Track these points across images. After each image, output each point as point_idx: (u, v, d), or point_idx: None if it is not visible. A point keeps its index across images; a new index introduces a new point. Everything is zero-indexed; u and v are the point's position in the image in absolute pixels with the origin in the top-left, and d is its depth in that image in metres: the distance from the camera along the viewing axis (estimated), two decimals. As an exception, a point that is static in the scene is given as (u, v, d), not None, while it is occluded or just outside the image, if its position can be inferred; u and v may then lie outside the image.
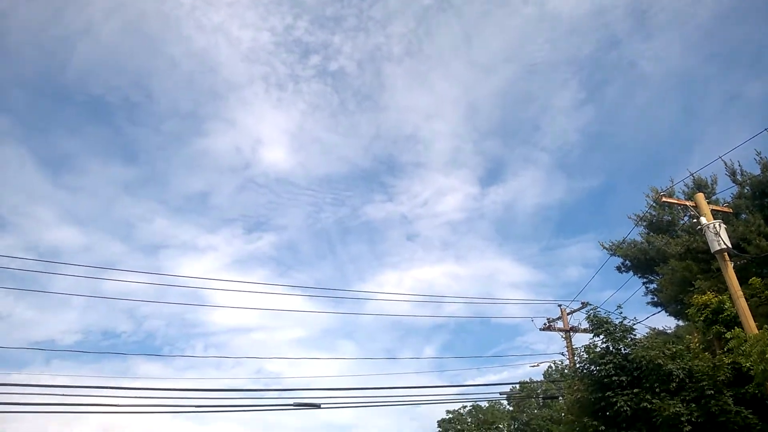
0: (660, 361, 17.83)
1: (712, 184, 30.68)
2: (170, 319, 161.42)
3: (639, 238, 33.71)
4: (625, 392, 18.04)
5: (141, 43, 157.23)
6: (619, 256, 34.24)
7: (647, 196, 32.87)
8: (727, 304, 19.39)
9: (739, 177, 29.25)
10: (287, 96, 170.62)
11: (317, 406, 16.20)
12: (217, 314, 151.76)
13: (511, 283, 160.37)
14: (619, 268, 34.86)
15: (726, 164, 29.38)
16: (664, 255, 30.10)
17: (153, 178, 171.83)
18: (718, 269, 19.61)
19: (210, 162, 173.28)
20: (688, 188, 30.52)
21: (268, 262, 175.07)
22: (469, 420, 77.98)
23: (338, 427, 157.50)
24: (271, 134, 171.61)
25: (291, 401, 16.09)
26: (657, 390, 17.57)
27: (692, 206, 19.87)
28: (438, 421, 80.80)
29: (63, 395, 15.89)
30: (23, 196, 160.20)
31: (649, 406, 17.23)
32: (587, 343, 20.66)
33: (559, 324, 29.16)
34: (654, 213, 32.96)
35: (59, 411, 16.18)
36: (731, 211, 25.90)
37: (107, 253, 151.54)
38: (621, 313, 20.80)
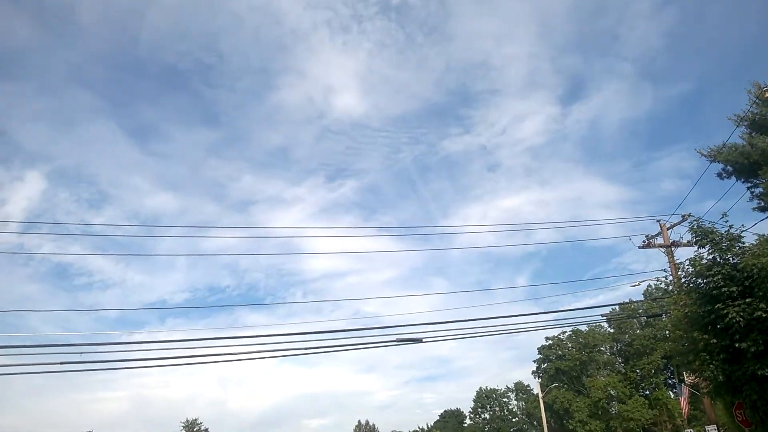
0: (774, 267, 16.73)
1: (821, 73, 27.93)
2: (268, 270, 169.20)
3: (740, 141, 31.47)
4: (736, 303, 17.15)
5: (205, 3, 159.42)
6: (719, 161, 32.17)
7: (749, 92, 30.43)
8: None
9: None
10: (352, 38, 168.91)
11: (419, 341, 16.42)
12: (312, 262, 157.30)
13: (602, 204, 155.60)
14: (720, 175, 32.83)
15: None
16: (769, 156, 28.01)
17: (235, 137, 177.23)
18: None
19: (286, 115, 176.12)
20: (795, 80, 27.96)
21: (353, 208, 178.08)
22: (570, 345, 77.73)
23: (438, 359, 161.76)
24: (340, 80, 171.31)
25: (392, 338, 16.39)
26: (772, 298, 16.58)
27: (801, 98, 18.14)
28: (538, 348, 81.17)
29: (180, 349, 16.87)
30: (118, 167, 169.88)
31: (764, 315, 16.32)
32: (692, 256, 19.66)
33: (659, 240, 27.93)
34: (756, 111, 30.53)
35: (179, 364, 17.25)
36: None
37: (203, 214, 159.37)
38: (726, 221, 19.57)
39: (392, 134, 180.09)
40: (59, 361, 15.02)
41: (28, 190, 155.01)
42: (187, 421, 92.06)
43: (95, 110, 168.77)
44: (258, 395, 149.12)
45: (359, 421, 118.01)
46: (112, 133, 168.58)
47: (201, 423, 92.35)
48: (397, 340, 16.14)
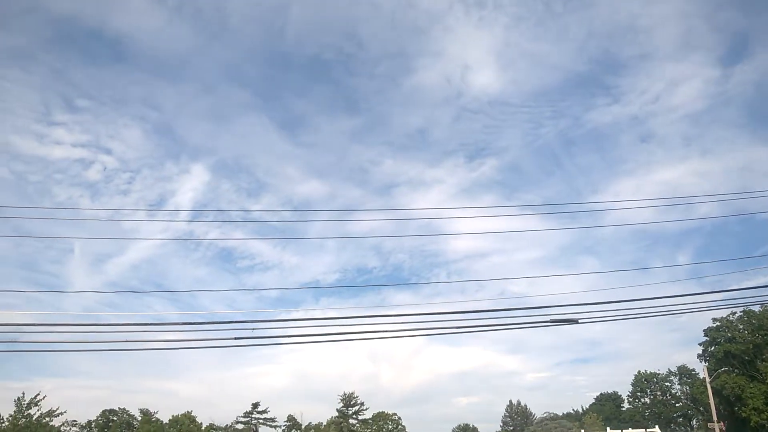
0: None
1: None
2: (412, 251, 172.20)
3: None
4: None
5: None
6: None
7: None
8: None
9: None
10: (488, 13, 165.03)
11: (575, 321, 15.76)
12: (454, 243, 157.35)
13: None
14: None
15: None
16: None
17: (375, 122, 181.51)
18: None
19: (424, 97, 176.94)
20: None
21: (494, 187, 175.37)
22: (741, 327, 71.07)
23: (591, 341, 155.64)
24: (477, 57, 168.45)
25: (543, 318, 15.91)
26: None
27: None
28: (705, 330, 75.14)
29: (334, 326, 17.68)
30: (272, 157, 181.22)
31: None
32: None
33: None
34: None
35: (332, 340, 18.11)
36: None
37: (348, 198, 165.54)
38: None
39: (533, 109, 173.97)
40: (231, 336, 16.31)
41: (194, 182, 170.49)
42: (344, 394, 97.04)
43: (249, 105, 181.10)
44: (408, 372, 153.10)
45: (510, 401, 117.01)
46: (264, 126, 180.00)
47: (357, 396, 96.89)
48: (552, 321, 15.62)
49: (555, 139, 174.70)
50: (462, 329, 16.82)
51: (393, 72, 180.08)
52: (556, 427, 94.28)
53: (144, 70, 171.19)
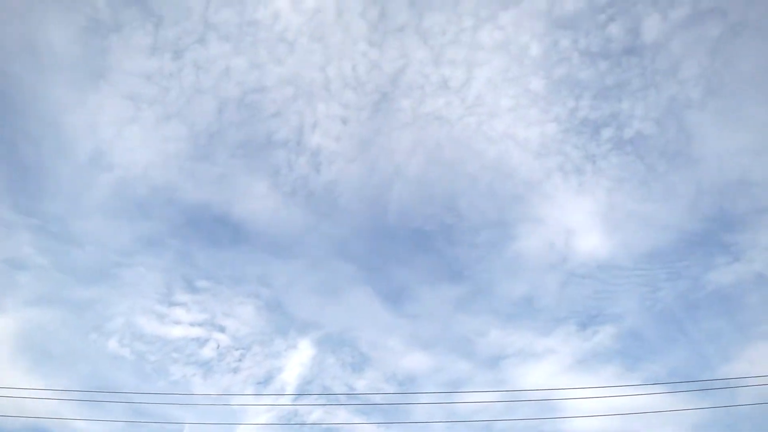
0: None
1: None
2: None
3: None
4: None
5: (442, 170, 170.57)
6: None
7: None
8: None
9: None
10: (588, 178, 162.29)
11: None
12: (572, 423, 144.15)
13: None
14: None
15: None
16: None
17: (479, 290, 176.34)
18: None
19: (527, 263, 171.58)
20: None
21: (613, 357, 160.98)
22: None
23: None
24: (581, 221, 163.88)
25: None
26: None
27: None
28: None
29: None
30: (376, 330, 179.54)
31: None
32: None
33: None
34: None
35: None
36: None
37: (454, 371, 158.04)
38: None
39: (647, 272, 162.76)
40: None
41: (301, 357, 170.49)
42: None
43: (355, 279, 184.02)
44: None
45: None
46: (369, 298, 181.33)
47: None
48: None
49: (675, 303, 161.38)
50: None
51: (494, 240, 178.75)
52: None
53: (260, 249, 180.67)
